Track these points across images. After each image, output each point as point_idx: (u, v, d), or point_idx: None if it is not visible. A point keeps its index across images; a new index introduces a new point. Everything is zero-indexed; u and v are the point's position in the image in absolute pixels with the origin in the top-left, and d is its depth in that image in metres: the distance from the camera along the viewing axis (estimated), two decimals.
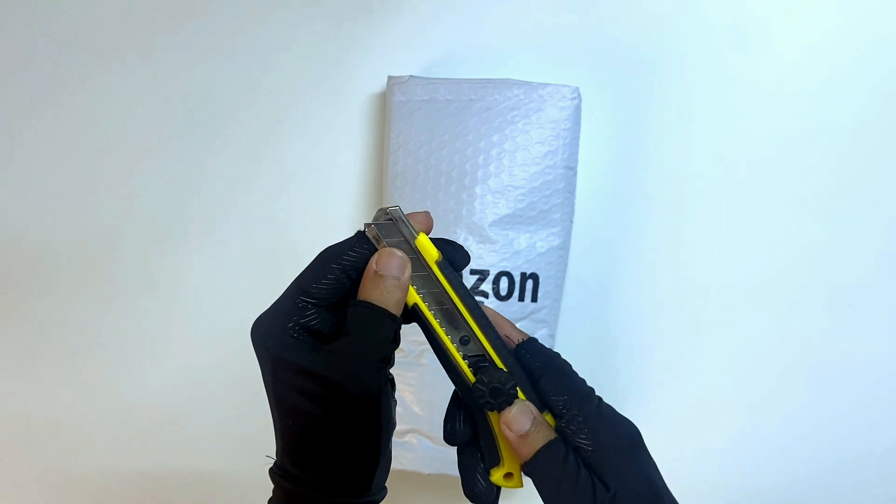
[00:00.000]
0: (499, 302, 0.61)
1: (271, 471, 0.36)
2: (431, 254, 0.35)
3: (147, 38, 0.71)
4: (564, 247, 0.64)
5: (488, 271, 0.61)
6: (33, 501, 0.75)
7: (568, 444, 0.35)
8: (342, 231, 0.69)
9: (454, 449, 0.62)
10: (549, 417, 0.36)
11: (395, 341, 0.35)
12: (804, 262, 0.67)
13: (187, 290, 0.72)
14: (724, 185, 0.67)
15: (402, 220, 0.35)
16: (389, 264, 0.34)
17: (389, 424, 0.35)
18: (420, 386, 0.62)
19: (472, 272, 0.61)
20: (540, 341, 0.50)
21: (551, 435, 0.35)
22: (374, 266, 0.34)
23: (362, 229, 0.36)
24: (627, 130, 0.68)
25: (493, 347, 0.36)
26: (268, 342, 0.35)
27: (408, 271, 0.35)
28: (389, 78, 0.66)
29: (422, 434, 0.63)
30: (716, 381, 0.69)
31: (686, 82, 0.67)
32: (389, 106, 0.65)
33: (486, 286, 0.61)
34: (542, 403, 0.36)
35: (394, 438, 0.39)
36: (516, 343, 0.37)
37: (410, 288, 0.35)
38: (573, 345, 0.68)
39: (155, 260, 0.71)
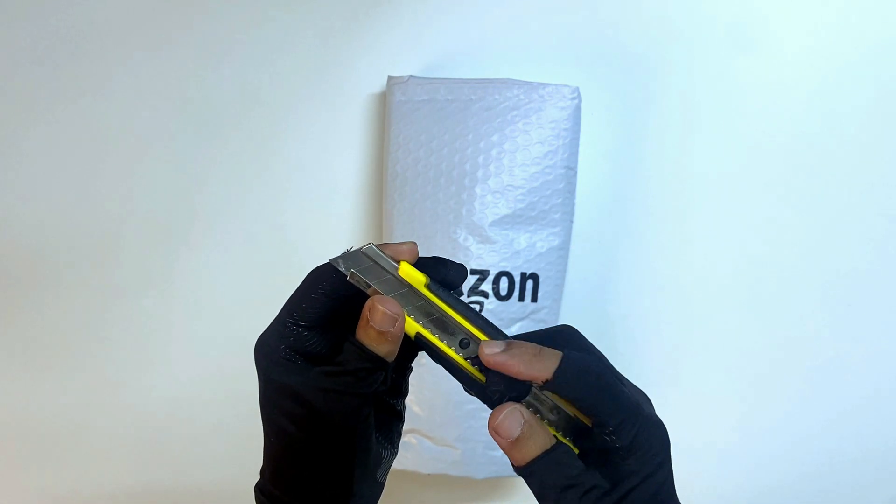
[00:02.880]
0: (499, 302, 0.61)
1: (256, 486, 0.37)
2: (418, 280, 0.35)
3: (148, 38, 0.71)
4: (564, 247, 0.64)
5: (488, 271, 0.61)
6: (32, 500, 0.75)
7: (567, 444, 0.34)
8: (342, 231, 0.70)
9: (454, 449, 0.62)
10: (574, 411, 0.35)
11: (384, 383, 0.36)
12: (804, 262, 0.67)
13: (188, 291, 0.72)
14: (723, 185, 0.67)
15: (381, 256, 0.35)
16: (383, 321, 0.34)
17: (368, 456, 0.36)
18: (420, 386, 0.62)
19: (473, 272, 0.61)
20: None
21: (548, 441, 0.33)
22: (367, 316, 0.34)
23: (336, 268, 0.35)
24: (627, 130, 0.68)
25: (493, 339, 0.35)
26: (262, 361, 0.36)
27: (399, 323, 0.34)
28: (389, 78, 0.66)
29: (422, 434, 0.63)
30: (715, 380, 0.69)
31: (686, 82, 0.67)
32: (389, 106, 0.65)
33: (486, 286, 0.61)
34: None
35: None
36: (543, 381, 0.34)
37: (410, 320, 0.35)
38: None
39: (156, 261, 0.71)
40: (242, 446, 0.72)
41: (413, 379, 0.63)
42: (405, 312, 0.35)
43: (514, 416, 0.33)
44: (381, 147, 0.69)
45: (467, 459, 0.62)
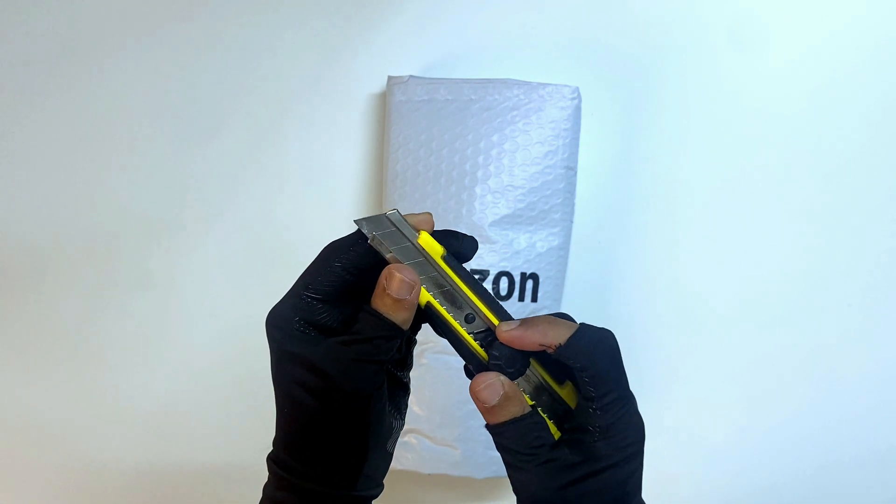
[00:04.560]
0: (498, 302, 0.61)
1: (268, 457, 0.38)
2: (436, 250, 0.36)
3: (146, 35, 0.71)
4: (564, 247, 0.64)
5: (488, 271, 0.61)
6: (33, 500, 0.75)
7: (542, 418, 0.36)
8: (342, 231, 0.69)
9: (454, 449, 0.62)
10: (570, 388, 0.37)
11: (399, 351, 0.36)
12: (803, 262, 0.67)
13: (186, 289, 0.72)
14: (723, 185, 0.67)
15: (403, 223, 0.36)
16: (400, 289, 0.35)
17: (381, 426, 0.36)
18: (420, 386, 0.62)
19: (472, 272, 0.61)
20: None
21: (520, 410, 0.35)
22: (384, 284, 0.35)
23: (360, 228, 0.36)
24: (627, 130, 0.68)
25: (498, 318, 0.36)
26: (275, 333, 0.36)
27: (416, 291, 0.36)
28: (389, 78, 0.66)
29: (422, 434, 0.63)
30: (715, 381, 0.69)
31: (686, 82, 0.67)
32: (389, 106, 0.65)
33: (487, 286, 0.61)
34: (561, 370, 0.37)
35: None
36: (555, 347, 0.35)
37: (422, 289, 0.36)
38: None
39: (153, 259, 0.71)
40: (241, 442, 0.72)
41: (413, 379, 0.63)
42: (425, 289, 0.36)
43: (495, 387, 0.35)
44: (380, 147, 0.69)
45: (467, 459, 0.62)
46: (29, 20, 0.71)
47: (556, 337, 0.35)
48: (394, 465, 0.56)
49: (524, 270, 0.62)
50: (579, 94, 0.62)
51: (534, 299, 0.62)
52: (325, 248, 0.37)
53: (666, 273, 0.68)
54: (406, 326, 0.36)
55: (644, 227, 0.68)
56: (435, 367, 0.62)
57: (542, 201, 0.62)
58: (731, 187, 0.67)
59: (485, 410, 0.36)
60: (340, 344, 0.35)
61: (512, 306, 0.61)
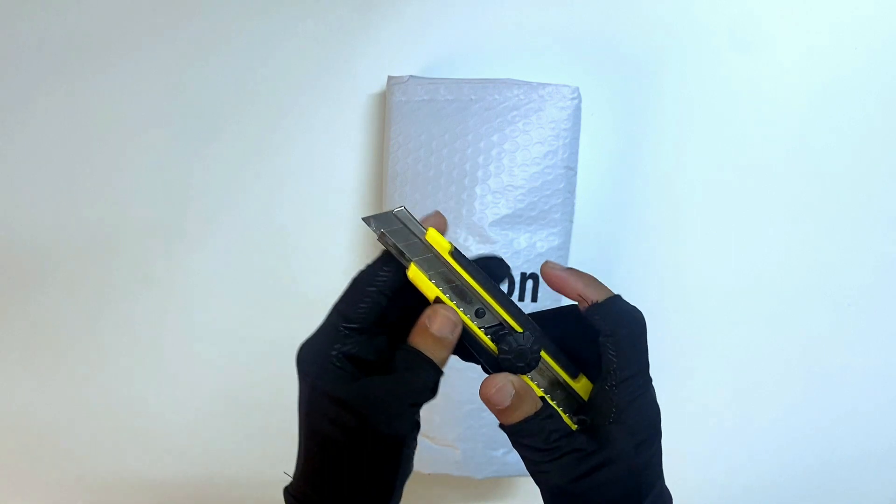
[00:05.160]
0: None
1: (286, 490, 0.37)
2: (444, 245, 0.36)
3: (146, 36, 0.71)
4: (564, 247, 0.64)
5: None
6: (32, 502, 0.75)
7: (555, 410, 0.36)
8: (342, 231, 0.69)
9: (454, 449, 0.62)
10: (584, 381, 0.37)
11: (433, 392, 0.36)
12: (804, 262, 0.67)
13: (186, 291, 0.72)
14: (723, 185, 0.67)
15: (411, 220, 0.36)
16: (443, 327, 0.35)
17: (407, 468, 0.36)
18: None
19: None
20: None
21: (533, 408, 0.35)
22: (426, 323, 0.35)
23: (368, 225, 0.36)
24: (627, 130, 0.68)
25: (508, 312, 0.36)
26: (309, 369, 0.35)
27: (458, 331, 0.35)
28: (389, 78, 0.66)
29: (422, 434, 0.63)
30: (715, 381, 0.69)
31: (685, 82, 0.67)
32: (389, 106, 0.65)
33: None
34: (574, 364, 0.37)
35: None
36: (590, 303, 0.36)
37: (430, 283, 0.36)
38: None
39: (153, 260, 0.71)
40: (241, 444, 0.72)
41: None
42: (428, 277, 0.36)
43: (506, 389, 0.35)
44: (380, 147, 0.69)
45: (467, 459, 0.62)
46: (30, 22, 0.71)
47: (595, 293, 0.36)
48: None
49: (524, 270, 0.62)
50: (579, 95, 0.62)
51: (534, 299, 0.62)
52: (355, 278, 0.37)
53: (665, 273, 0.68)
54: (443, 365, 0.35)
55: (644, 227, 0.68)
56: None
57: (542, 201, 0.62)
58: (731, 187, 0.67)
59: (498, 412, 0.35)
60: (380, 384, 0.34)
61: None
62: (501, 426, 0.36)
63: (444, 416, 0.61)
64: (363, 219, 0.36)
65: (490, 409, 0.35)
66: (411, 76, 0.65)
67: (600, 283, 0.37)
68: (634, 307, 0.37)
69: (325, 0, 0.68)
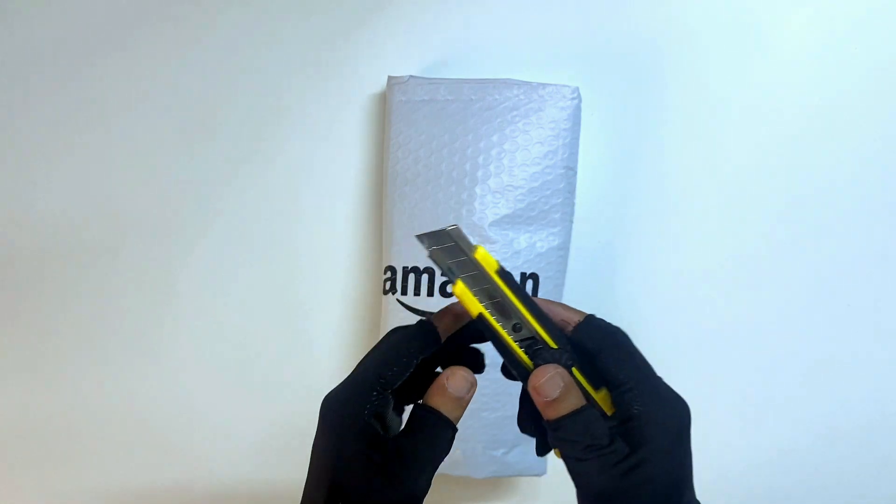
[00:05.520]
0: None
1: None
2: (491, 263, 0.38)
3: (146, 36, 0.71)
4: (564, 247, 0.64)
5: None
6: (32, 500, 0.75)
7: (600, 412, 0.37)
8: (344, 231, 0.69)
9: (454, 449, 0.63)
10: (605, 394, 0.38)
11: (450, 449, 0.37)
12: (805, 262, 0.67)
13: (188, 292, 0.72)
14: (724, 185, 0.67)
15: (462, 237, 0.38)
16: (460, 387, 0.37)
17: None
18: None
19: None
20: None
21: (579, 402, 0.36)
22: (445, 383, 0.37)
23: (420, 242, 0.38)
24: (627, 130, 0.68)
25: (545, 329, 0.37)
26: (337, 424, 0.36)
27: (473, 390, 0.38)
28: (389, 78, 0.66)
29: None
30: (715, 381, 0.69)
31: (686, 82, 0.67)
32: (389, 106, 0.65)
33: None
34: (599, 379, 0.38)
35: None
36: (575, 324, 0.38)
37: (474, 299, 0.37)
38: None
39: (155, 262, 0.71)
40: (244, 446, 0.72)
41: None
42: (472, 293, 0.37)
43: (555, 380, 0.36)
44: (380, 147, 0.69)
45: (467, 459, 0.62)
46: (28, 19, 0.71)
47: (576, 315, 0.39)
48: None
49: (524, 270, 0.62)
50: (579, 95, 0.62)
51: None
52: (390, 336, 0.38)
53: (667, 272, 0.68)
54: (457, 423, 0.37)
55: (644, 227, 0.68)
56: None
57: (542, 201, 0.62)
58: (731, 187, 0.67)
59: (545, 405, 0.36)
60: (408, 445, 0.36)
61: None
62: (547, 422, 0.37)
63: None
64: (416, 236, 0.38)
65: (537, 401, 0.36)
66: (411, 76, 0.65)
67: (572, 308, 0.40)
68: (610, 323, 0.39)
69: (326, 1, 0.68)
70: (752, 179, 0.67)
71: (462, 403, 0.37)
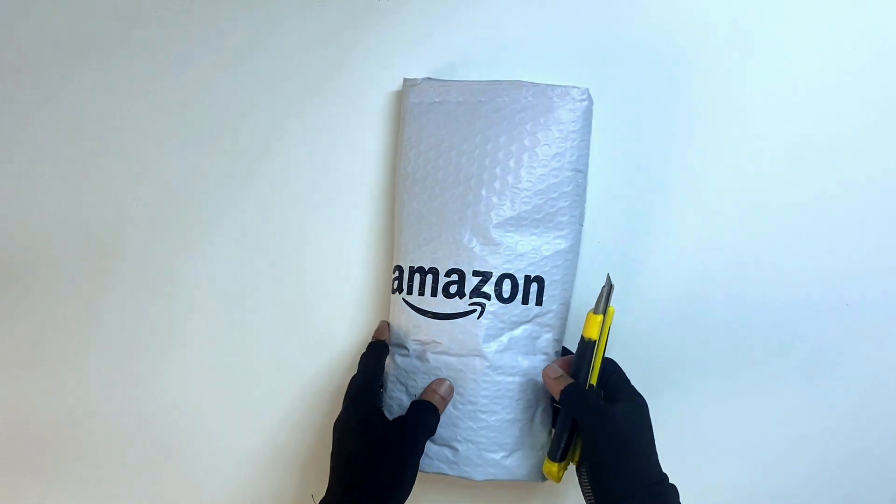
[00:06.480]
0: (500, 304, 0.61)
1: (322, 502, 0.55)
2: (608, 322, 0.59)
3: (153, 36, 0.72)
4: (573, 250, 0.63)
5: (491, 273, 0.60)
6: (31, 500, 0.76)
7: (588, 387, 0.59)
8: (354, 233, 0.70)
9: (453, 449, 0.63)
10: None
11: (435, 430, 0.60)
12: (806, 262, 0.66)
13: (192, 291, 0.72)
14: (736, 187, 0.66)
15: (611, 291, 0.59)
16: (447, 392, 0.61)
17: (416, 471, 0.58)
18: (421, 385, 0.62)
19: (475, 273, 0.61)
20: (545, 345, 0.63)
21: (569, 381, 0.59)
22: (435, 387, 0.61)
23: (607, 281, 0.58)
24: (639, 132, 0.67)
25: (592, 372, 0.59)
26: (366, 399, 0.60)
27: (451, 395, 0.61)
28: (405, 80, 0.66)
29: None
30: (723, 384, 0.67)
31: (698, 83, 0.66)
32: (404, 108, 0.65)
33: (489, 288, 0.60)
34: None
35: None
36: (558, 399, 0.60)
37: (596, 328, 0.58)
38: None
39: (163, 262, 0.72)
40: (245, 446, 0.72)
41: (414, 378, 0.63)
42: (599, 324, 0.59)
43: (555, 368, 0.60)
44: (392, 148, 0.69)
45: (466, 460, 0.62)
46: (30, 19, 0.72)
47: (554, 391, 0.59)
48: None
49: (528, 273, 0.61)
50: (589, 96, 0.62)
51: (538, 303, 0.61)
52: (368, 355, 0.64)
53: (679, 276, 0.67)
54: (441, 413, 0.60)
55: (657, 231, 0.67)
56: (436, 366, 0.62)
57: (548, 204, 0.61)
58: (744, 189, 0.66)
59: (553, 383, 0.59)
60: (412, 420, 0.59)
61: (515, 309, 0.61)
62: (556, 403, 0.61)
63: (444, 417, 0.61)
64: (608, 275, 0.59)
65: (547, 381, 0.60)
66: (426, 78, 0.65)
67: (561, 374, 0.60)
68: (582, 389, 0.59)
69: (341, 4, 0.69)
70: (768, 183, 0.66)
71: (446, 402, 0.61)
